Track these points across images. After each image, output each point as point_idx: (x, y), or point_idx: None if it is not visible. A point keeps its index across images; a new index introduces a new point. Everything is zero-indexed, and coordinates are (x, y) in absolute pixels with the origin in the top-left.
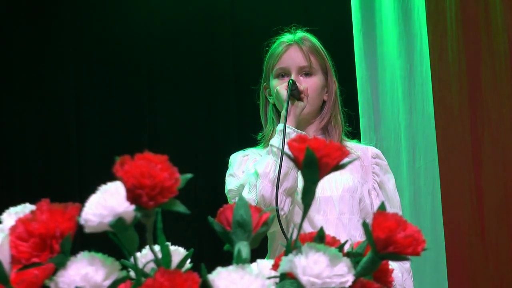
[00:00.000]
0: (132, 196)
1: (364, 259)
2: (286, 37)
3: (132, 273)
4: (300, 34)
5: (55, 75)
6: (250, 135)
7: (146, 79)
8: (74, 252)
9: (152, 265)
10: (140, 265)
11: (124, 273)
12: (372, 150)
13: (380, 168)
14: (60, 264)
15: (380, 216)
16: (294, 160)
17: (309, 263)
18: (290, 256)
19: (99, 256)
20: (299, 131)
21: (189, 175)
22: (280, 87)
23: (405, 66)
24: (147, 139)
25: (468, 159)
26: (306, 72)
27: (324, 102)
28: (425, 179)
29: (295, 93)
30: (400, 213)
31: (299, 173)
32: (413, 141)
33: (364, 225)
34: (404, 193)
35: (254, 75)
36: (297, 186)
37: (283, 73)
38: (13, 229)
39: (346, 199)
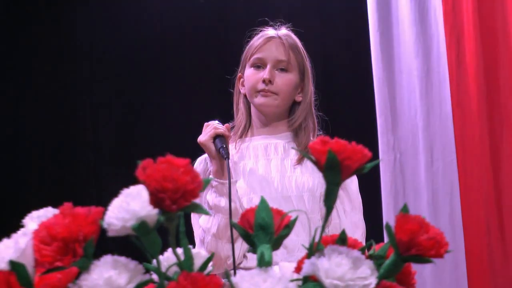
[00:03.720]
0: (155, 200)
1: (387, 261)
2: (269, 31)
3: (155, 277)
4: (284, 30)
5: (71, 76)
6: None
7: (163, 79)
8: (97, 255)
9: (175, 268)
10: (163, 268)
11: (147, 276)
12: None
13: None
14: (83, 268)
15: (402, 218)
16: (316, 162)
17: (332, 266)
18: (313, 259)
19: (122, 259)
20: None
21: (211, 178)
22: (208, 140)
23: (422, 66)
24: (167, 141)
25: (486, 159)
26: (282, 68)
27: (296, 102)
28: (443, 180)
29: (223, 154)
30: (361, 215)
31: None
32: (430, 142)
33: (387, 227)
34: (422, 194)
35: None
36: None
37: (259, 64)
38: (36, 233)
39: (305, 199)
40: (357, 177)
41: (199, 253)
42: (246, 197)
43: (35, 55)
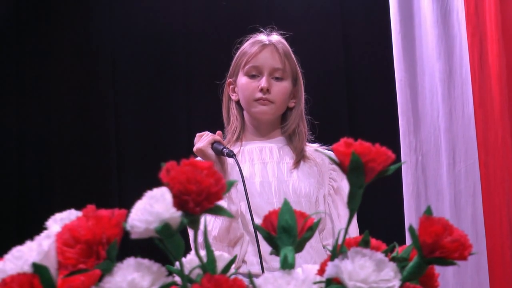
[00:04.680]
0: (178, 202)
1: (411, 264)
2: (262, 37)
3: (178, 279)
4: (275, 36)
5: (93, 78)
6: None
7: (184, 82)
8: (120, 258)
9: (198, 271)
10: (186, 271)
11: (170, 279)
12: (331, 155)
13: (337, 174)
14: (107, 270)
15: (427, 220)
16: (340, 164)
17: (355, 268)
18: (336, 261)
19: (145, 262)
20: None
21: (233, 181)
22: (206, 146)
23: (445, 68)
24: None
25: (509, 161)
26: (278, 77)
27: (288, 108)
28: (465, 182)
29: (229, 152)
30: (355, 220)
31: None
32: (453, 144)
33: (411, 230)
34: (444, 196)
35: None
36: (242, 234)
37: (255, 73)
38: (59, 235)
39: (302, 204)
40: (380, 178)
41: (222, 255)
42: (244, 201)
43: (56, 55)
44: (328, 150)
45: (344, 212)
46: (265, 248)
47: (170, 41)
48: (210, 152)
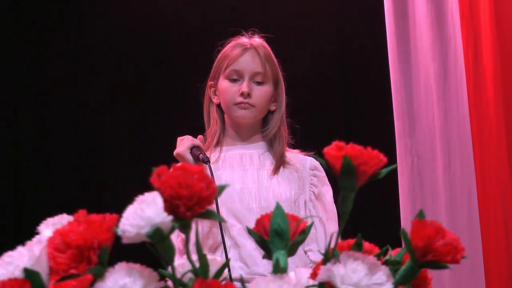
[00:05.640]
0: (169, 207)
1: (403, 267)
2: (243, 40)
3: (170, 283)
4: (257, 39)
5: (89, 80)
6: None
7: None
8: (111, 262)
9: (190, 275)
10: (178, 275)
11: (162, 283)
12: (311, 161)
13: (318, 180)
14: (98, 275)
15: (419, 224)
16: (331, 168)
17: (348, 272)
18: (329, 265)
19: (136, 266)
20: None
21: (225, 185)
22: (185, 150)
23: (439, 70)
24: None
25: (504, 162)
26: (259, 81)
27: (269, 112)
28: (460, 183)
29: (204, 158)
30: (336, 225)
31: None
32: (448, 145)
33: (403, 233)
34: (440, 197)
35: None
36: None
37: (236, 77)
38: (51, 240)
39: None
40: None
41: (215, 259)
42: (225, 207)
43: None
44: (310, 156)
45: (325, 218)
46: (247, 253)
47: (168, 41)
48: (189, 157)
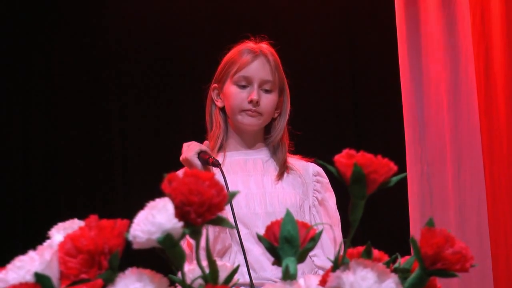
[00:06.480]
0: (180, 213)
1: (412, 275)
2: (251, 45)
3: None
4: (265, 46)
5: (98, 87)
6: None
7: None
8: (122, 268)
9: (200, 281)
10: (188, 280)
11: None
12: (314, 167)
13: (321, 186)
14: (109, 280)
15: (428, 232)
16: (341, 176)
17: (357, 279)
18: (338, 272)
19: (147, 272)
20: None
21: (235, 192)
22: (193, 155)
23: (450, 77)
24: None
25: None
26: (267, 89)
27: (273, 118)
28: (470, 191)
29: (214, 161)
30: (339, 231)
31: None
32: (458, 153)
33: (412, 241)
34: (450, 205)
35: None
36: (230, 244)
37: (245, 83)
38: (61, 245)
39: None
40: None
41: (224, 265)
42: (230, 212)
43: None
44: (311, 161)
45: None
46: (254, 258)
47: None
48: (197, 161)
